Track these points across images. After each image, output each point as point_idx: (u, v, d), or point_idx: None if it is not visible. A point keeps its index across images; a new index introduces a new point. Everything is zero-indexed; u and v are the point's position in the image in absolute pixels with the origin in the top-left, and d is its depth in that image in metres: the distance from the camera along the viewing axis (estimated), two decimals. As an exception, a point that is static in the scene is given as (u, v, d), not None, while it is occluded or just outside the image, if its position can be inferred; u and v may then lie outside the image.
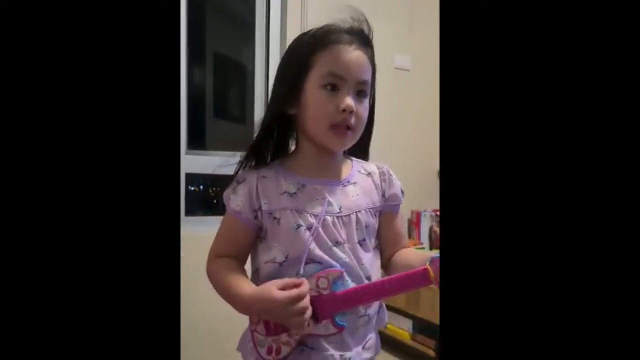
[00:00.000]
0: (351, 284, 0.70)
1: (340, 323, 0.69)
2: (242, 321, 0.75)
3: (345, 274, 0.69)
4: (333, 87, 0.70)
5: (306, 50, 0.72)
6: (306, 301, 0.64)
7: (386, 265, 0.81)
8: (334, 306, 0.68)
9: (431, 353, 1.78)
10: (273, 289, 0.65)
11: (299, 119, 0.75)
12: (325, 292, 0.68)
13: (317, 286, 0.68)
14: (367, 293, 0.68)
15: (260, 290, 0.67)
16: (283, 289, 0.65)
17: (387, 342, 1.90)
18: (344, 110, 0.69)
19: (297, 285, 0.65)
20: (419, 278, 0.66)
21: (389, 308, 1.88)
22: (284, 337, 0.69)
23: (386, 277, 0.69)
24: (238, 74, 2.11)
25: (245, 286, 0.70)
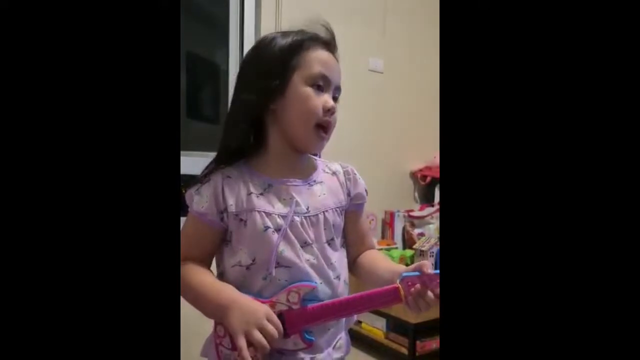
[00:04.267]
0: (322, 295, 0.70)
1: (309, 338, 0.68)
2: (206, 322, 0.73)
3: (317, 289, 0.69)
4: (320, 87, 0.72)
5: (293, 48, 0.72)
6: (277, 328, 0.64)
7: (352, 266, 0.82)
8: (304, 321, 0.67)
9: (404, 351, 1.80)
10: (257, 303, 0.66)
11: (279, 114, 0.74)
12: (295, 307, 0.67)
13: (288, 300, 0.67)
14: (338, 309, 0.68)
15: (241, 297, 0.66)
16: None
17: (361, 340, 1.91)
18: (328, 110, 0.72)
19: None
20: (389, 296, 0.67)
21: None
22: (250, 351, 0.66)
23: (357, 294, 0.69)
24: (211, 74, 2.09)
25: (224, 288, 0.69)
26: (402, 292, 0.66)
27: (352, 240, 0.81)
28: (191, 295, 0.70)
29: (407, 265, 2.15)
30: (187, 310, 0.74)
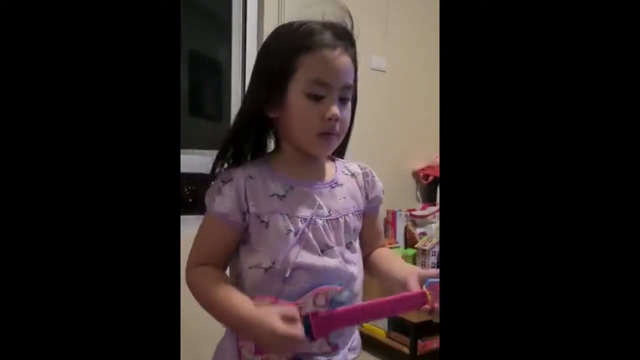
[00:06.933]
0: (343, 296, 0.68)
1: (335, 342, 0.67)
2: (210, 324, 0.72)
3: (343, 290, 0.68)
4: (318, 96, 0.67)
5: (289, 52, 0.67)
6: (299, 344, 0.62)
7: (363, 264, 0.80)
8: (331, 325, 0.65)
9: (406, 350, 1.80)
10: (275, 318, 0.60)
11: (282, 123, 0.72)
12: (322, 310, 0.65)
13: (315, 303, 0.66)
14: (365, 313, 0.67)
15: (260, 315, 0.62)
16: (282, 317, 0.61)
17: (363, 340, 1.90)
18: (329, 119, 0.67)
19: (294, 318, 0.61)
20: (416, 301, 0.66)
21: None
22: (273, 356, 0.66)
23: (383, 299, 0.67)
24: (214, 72, 2.08)
25: (241, 305, 0.65)
26: (429, 298, 0.65)
27: (366, 240, 0.80)
28: (211, 308, 0.68)
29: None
30: (191, 311, 0.73)
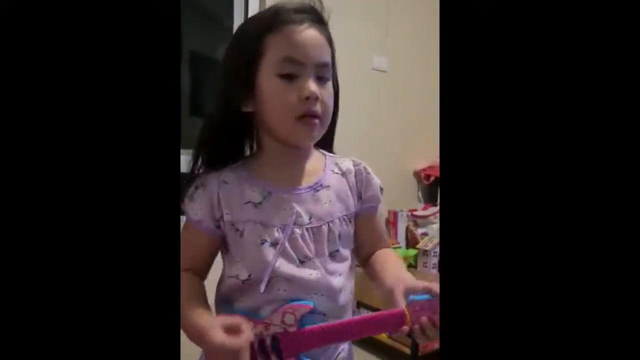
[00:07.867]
0: (324, 308, 0.64)
1: None
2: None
3: (314, 307, 0.62)
4: (291, 75, 0.62)
5: (254, 36, 0.63)
6: (242, 356, 0.55)
7: (364, 264, 0.76)
8: (301, 345, 0.62)
9: (407, 351, 1.80)
10: (214, 331, 0.56)
11: (258, 116, 0.67)
12: (291, 329, 0.61)
13: (283, 322, 0.61)
14: (337, 334, 0.62)
15: (204, 328, 0.57)
16: (229, 328, 0.56)
17: (364, 340, 1.91)
18: (307, 98, 0.61)
19: (240, 328, 0.56)
20: (394, 321, 0.60)
21: (367, 307, 1.89)
22: None
23: (359, 317, 0.62)
24: (215, 73, 2.09)
25: (200, 317, 0.60)
26: (408, 318, 0.59)
27: (363, 243, 0.73)
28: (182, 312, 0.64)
29: (409, 265, 2.13)
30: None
